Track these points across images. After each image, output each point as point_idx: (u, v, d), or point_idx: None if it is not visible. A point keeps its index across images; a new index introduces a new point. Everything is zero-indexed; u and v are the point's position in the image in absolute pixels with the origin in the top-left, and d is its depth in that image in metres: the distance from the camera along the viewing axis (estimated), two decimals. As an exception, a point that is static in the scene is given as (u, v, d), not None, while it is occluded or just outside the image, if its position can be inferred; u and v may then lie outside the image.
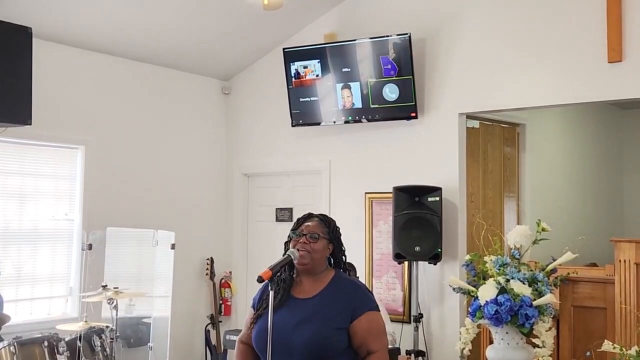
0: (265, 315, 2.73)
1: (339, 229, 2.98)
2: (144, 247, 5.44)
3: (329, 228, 2.91)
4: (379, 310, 2.86)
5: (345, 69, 5.43)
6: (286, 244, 2.92)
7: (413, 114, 5.25)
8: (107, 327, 4.61)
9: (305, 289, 2.86)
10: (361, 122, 5.49)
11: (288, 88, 5.72)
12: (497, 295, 2.98)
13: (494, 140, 6.13)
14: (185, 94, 6.24)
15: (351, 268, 4.12)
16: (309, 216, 2.96)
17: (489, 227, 3.70)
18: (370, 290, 2.99)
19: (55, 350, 4.24)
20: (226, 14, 5.43)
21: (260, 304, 2.87)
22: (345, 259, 2.98)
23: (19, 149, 5.09)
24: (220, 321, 6.24)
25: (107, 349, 4.54)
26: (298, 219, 2.97)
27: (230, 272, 6.42)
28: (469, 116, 5.39)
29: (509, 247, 3.22)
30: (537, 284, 3.05)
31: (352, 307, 2.76)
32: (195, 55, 6.00)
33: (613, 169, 8.39)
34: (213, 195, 6.45)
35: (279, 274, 2.82)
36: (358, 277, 4.35)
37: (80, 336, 4.39)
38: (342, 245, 2.97)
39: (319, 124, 5.69)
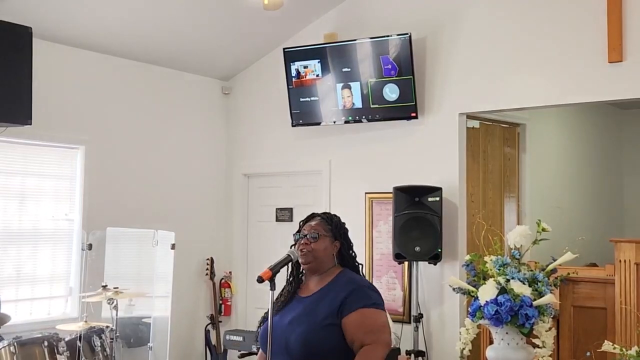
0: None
1: (344, 224, 2.97)
2: (144, 247, 5.44)
3: (331, 225, 2.91)
4: (380, 308, 2.81)
5: (346, 69, 5.43)
6: (292, 247, 2.92)
7: (413, 114, 5.25)
8: (107, 327, 4.62)
9: (310, 288, 2.88)
10: (361, 122, 5.49)
11: (288, 88, 5.72)
12: (497, 296, 2.98)
13: (494, 141, 6.12)
14: (185, 94, 6.24)
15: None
16: (311, 216, 2.97)
17: (489, 227, 3.70)
18: (375, 289, 2.93)
19: (55, 350, 4.24)
20: (226, 14, 5.43)
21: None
22: (354, 255, 2.96)
23: (19, 149, 5.09)
24: (220, 321, 6.24)
25: (107, 349, 4.54)
26: (301, 220, 2.97)
27: (230, 272, 6.42)
28: (469, 116, 5.39)
29: (509, 247, 3.22)
30: (537, 284, 3.04)
31: (344, 304, 2.73)
32: (195, 55, 6.00)
33: (613, 169, 8.38)
34: (213, 195, 6.44)
35: (287, 274, 2.83)
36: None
37: (80, 336, 4.39)
38: (349, 241, 2.96)
39: (319, 124, 5.69)
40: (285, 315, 2.79)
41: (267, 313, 2.85)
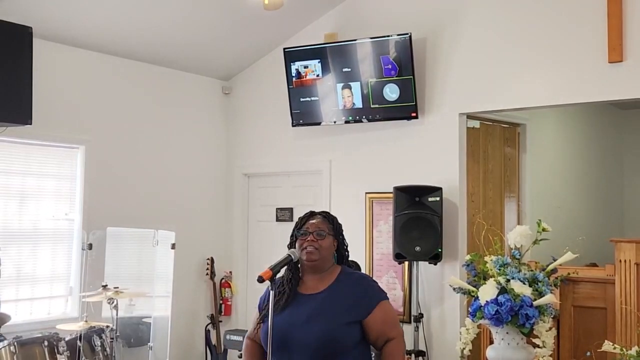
0: (274, 314, 2.74)
1: (341, 225, 3.00)
2: (144, 247, 5.44)
3: (332, 224, 2.95)
4: (388, 299, 2.92)
5: (346, 69, 5.43)
6: (290, 245, 2.92)
7: (413, 114, 5.25)
8: (107, 326, 4.62)
9: (312, 286, 2.88)
10: (361, 122, 5.49)
11: (288, 88, 5.72)
12: (498, 296, 2.98)
13: (494, 141, 6.12)
14: (185, 94, 6.24)
15: (354, 265, 4.14)
16: (311, 214, 2.98)
17: (489, 227, 3.70)
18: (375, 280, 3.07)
19: (56, 350, 4.25)
20: (226, 14, 5.43)
21: (266, 304, 2.87)
22: (348, 254, 3.01)
23: (19, 148, 5.09)
24: (221, 321, 6.24)
25: (108, 349, 4.55)
26: (301, 218, 2.97)
27: (230, 272, 6.42)
28: (470, 116, 5.39)
29: (510, 247, 3.22)
30: (537, 284, 3.04)
31: (364, 301, 2.80)
32: (195, 55, 6.00)
33: (613, 169, 8.39)
34: (213, 195, 6.45)
35: (284, 274, 2.83)
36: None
37: (80, 336, 4.40)
38: (345, 240, 3.00)
39: (319, 124, 5.69)
40: (292, 314, 2.78)
41: (264, 311, 2.87)
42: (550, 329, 3.02)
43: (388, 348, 2.82)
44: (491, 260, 3.16)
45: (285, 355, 2.70)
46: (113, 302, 4.61)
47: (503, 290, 2.99)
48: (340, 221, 3.04)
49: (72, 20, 5.04)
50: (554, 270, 3.16)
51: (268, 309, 2.77)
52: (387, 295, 2.95)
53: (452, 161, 5.18)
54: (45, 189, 5.25)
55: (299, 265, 2.91)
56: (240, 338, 5.41)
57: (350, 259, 3.06)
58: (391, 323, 2.85)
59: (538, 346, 3.00)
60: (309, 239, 2.85)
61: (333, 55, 5.48)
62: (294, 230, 2.95)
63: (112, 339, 4.58)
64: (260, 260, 6.07)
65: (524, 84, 4.90)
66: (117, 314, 4.63)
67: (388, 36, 5.24)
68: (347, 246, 3.01)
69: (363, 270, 5.36)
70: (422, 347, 5.02)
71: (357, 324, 2.77)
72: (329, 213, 3.03)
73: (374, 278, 5.34)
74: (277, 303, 2.76)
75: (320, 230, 2.87)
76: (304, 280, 2.91)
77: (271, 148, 6.25)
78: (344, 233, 3.02)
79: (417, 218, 4.95)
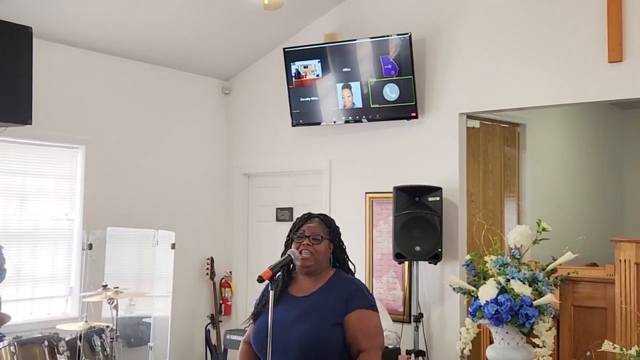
0: (264, 314, 2.73)
1: (339, 228, 2.98)
2: (144, 247, 5.44)
3: (329, 228, 2.91)
4: (376, 311, 2.82)
5: (346, 69, 5.43)
6: (286, 244, 2.91)
7: (413, 114, 5.26)
8: (107, 326, 4.62)
9: (304, 287, 2.85)
10: (361, 122, 5.49)
11: (288, 88, 5.73)
12: (498, 295, 2.98)
13: (494, 140, 6.12)
14: (185, 94, 6.24)
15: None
16: (309, 217, 2.94)
17: (489, 227, 3.70)
18: (370, 291, 2.98)
19: (56, 350, 4.24)
20: (226, 14, 5.43)
21: (259, 303, 2.87)
22: (348, 257, 2.97)
23: (19, 148, 5.09)
24: (221, 321, 6.24)
25: (108, 349, 4.55)
26: (298, 220, 2.95)
27: (230, 272, 6.42)
28: (469, 116, 5.39)
29: (509, 247, 3.21)
30: (537, 283, 3.04)
31: (344, 303, 2.74)
32: (195, 55, 6.00)
33: (613, 168, 8.39)
34: (213, 195, 6.45)
35: (278, 272, 2.82)
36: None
37: (80, 336, 4.39)
38: (342, 244, 2.96)
39: (319, 123, 5.69)
40: (281, 315, 2.75)
41: (256, 310, 2.87)
42: (550, 328, 3.01)
43: None
44: (491, 260, 3.15)
45: (273, 356, 2.68)
46: (113, 302, 4.61)
47: (503, 290, 2.99)
48: (340, 221, 3.01)
49: (72, 20, 5.04)
50: (554, 270, 3.16)
51: (259, 308, 2.80)
52: (381, 303, 2.89)
53: (452, 161, 5.18)
54: (45, 189, 5.25)
55: (293, 266, 2.88)
56: (240, 338, 5.39)
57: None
58: (365, 333, 2.73)
59: (538, 346, 3.00)
60: (304, 242, 2.82)
61: (333, 55, 5.48)
62: (290, 231, 2.92)
63: (112, 339, 4.58)
64: (260, 260, 6.07)
65: (524, 84, 4.91)
66: (117, 314, 4.62)
67: (388, 36, 5.24)
68: (345, 248, 2.96)
69: (362, 270, 5.37)
70: (422, 347, 5.01)
71: (340, 326, 2.72)
72: (326, 216, 2.98)
73: (373, 278, 5.43)
74: (268, 302, 2.73)
75: (316, 235, 2.83)
76: (297, 280, 2.88)
77: (271, 148, 6.25)
78: (341, 236, 2.97)
79: (417, 218, 4.95)
